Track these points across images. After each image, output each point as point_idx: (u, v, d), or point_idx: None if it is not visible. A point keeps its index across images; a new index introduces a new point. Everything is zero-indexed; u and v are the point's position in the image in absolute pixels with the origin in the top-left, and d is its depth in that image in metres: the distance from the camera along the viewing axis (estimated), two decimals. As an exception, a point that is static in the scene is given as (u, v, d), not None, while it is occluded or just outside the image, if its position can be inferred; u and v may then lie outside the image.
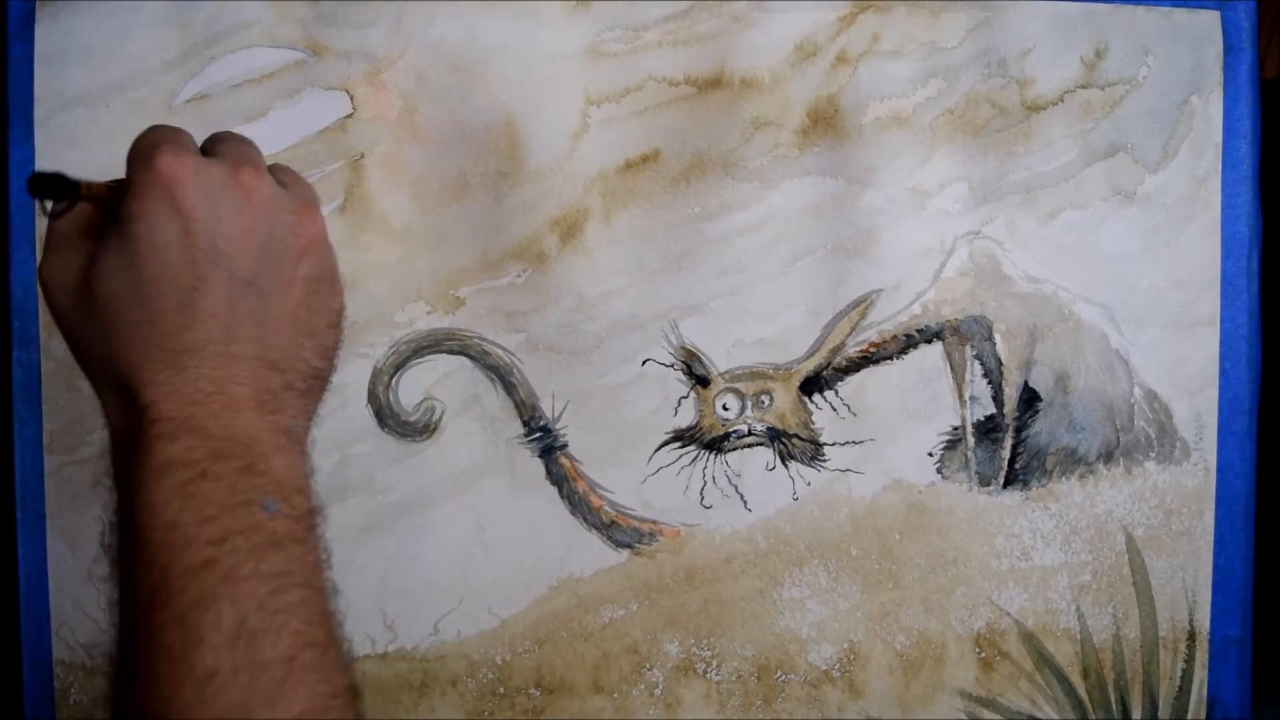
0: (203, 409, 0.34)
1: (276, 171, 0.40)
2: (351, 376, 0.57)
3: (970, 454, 0.60)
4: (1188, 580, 0.61)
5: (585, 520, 0.58)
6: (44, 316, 0.56)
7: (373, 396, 0.57)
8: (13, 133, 0.56)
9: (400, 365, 0.57)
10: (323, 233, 0.39)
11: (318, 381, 0.39)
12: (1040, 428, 0.61)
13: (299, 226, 0.38)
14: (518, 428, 0.58)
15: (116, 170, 0.37)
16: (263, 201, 0.37)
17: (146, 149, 0.36)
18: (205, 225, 0.35)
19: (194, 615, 0.31)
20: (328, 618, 0.34)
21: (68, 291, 0.36)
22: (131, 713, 0.31)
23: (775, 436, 0.59)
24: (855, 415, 0.60)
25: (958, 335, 0.60)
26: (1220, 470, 0.61)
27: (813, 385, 0.60)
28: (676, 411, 0.59)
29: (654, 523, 0.59)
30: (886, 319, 0.60)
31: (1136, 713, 0.61)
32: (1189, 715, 0.61)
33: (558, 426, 0.58)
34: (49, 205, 0.37)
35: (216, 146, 0.38)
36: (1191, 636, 0.61)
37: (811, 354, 0.59)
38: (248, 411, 0.35)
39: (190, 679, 0.30)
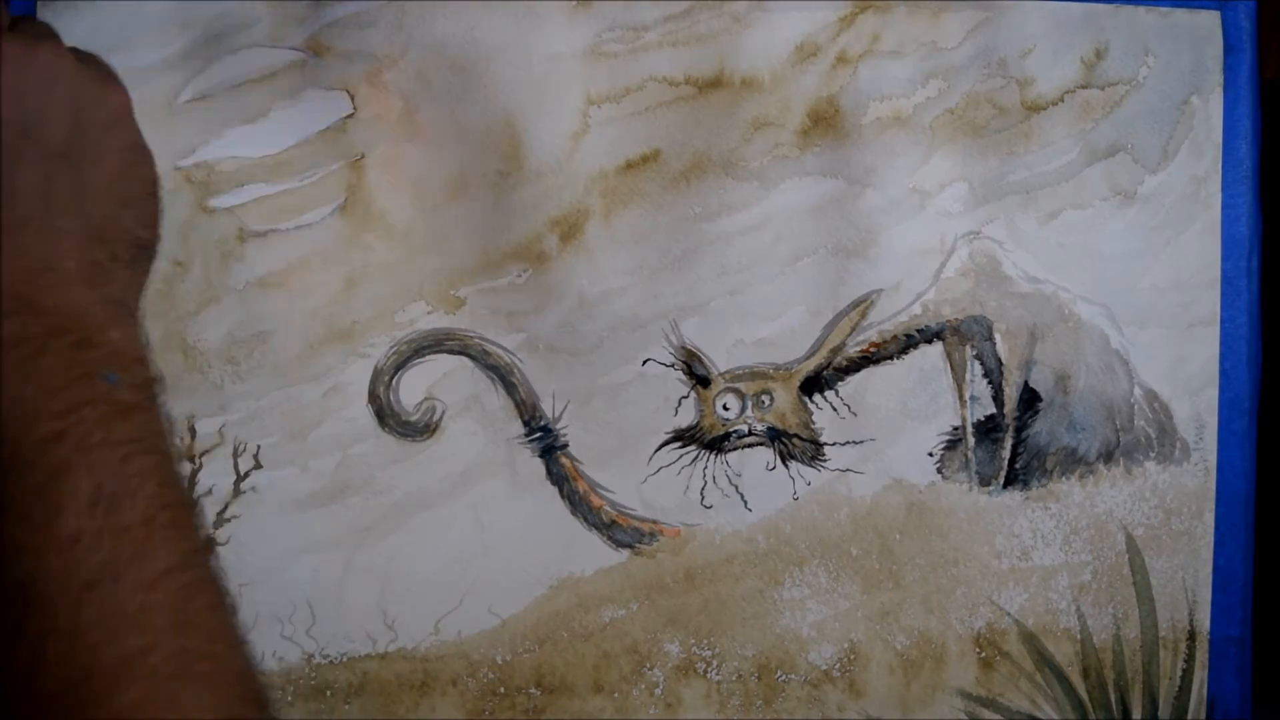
0: (32, 286, 0.34)
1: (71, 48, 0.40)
2: (352, 376, 0.57)
3: (970, 454, 0.60)
4: (1188, 580, 0.61)
5: (585, 520, 0.58)
6: None
7: (373, 396, 0.57)
8: (13, 133, 0.56)
9: (401, 365, 0.57)
10: (129, 103, 0.40)
11: (143, 251, 0.39)
12: (1040, 428, 0.61)
13: (105, 97, 0.38)
14: (518, 428, 0.58)
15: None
16: (68, 76, 0.37)
17: None
18: (13, 104, 0.35)
19: (51, 485, 0.31)
20: (178, 480, 0.35)
21: None
22: None
23: (775, 436, 0.59)
24: (855, 415, 0.60)
25: (958, 335, 0.60)
26: (1220, 470, 0.61)
27: (813, 385, 0.60)
28: (677, 411, 0.59)
29: (654, 522, 0.59)
30: (887, 319, 0.60)
31: (1136, 713, 0.61)
32: (1189, 715, 0.61)
33: (558, 426, 0.58)
34: None
35: (9, 26, 0.38)
36: (1191, 636, 0.61)
37: (812, 354, 0.59)
38: (77, 286, 0.35)
39: (53, 546, 0.31)
